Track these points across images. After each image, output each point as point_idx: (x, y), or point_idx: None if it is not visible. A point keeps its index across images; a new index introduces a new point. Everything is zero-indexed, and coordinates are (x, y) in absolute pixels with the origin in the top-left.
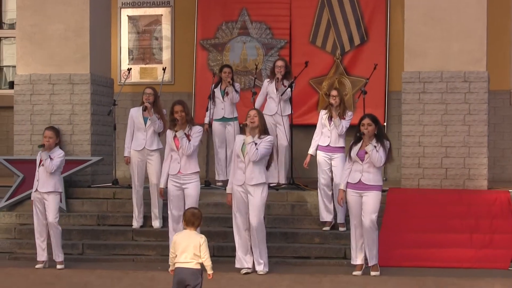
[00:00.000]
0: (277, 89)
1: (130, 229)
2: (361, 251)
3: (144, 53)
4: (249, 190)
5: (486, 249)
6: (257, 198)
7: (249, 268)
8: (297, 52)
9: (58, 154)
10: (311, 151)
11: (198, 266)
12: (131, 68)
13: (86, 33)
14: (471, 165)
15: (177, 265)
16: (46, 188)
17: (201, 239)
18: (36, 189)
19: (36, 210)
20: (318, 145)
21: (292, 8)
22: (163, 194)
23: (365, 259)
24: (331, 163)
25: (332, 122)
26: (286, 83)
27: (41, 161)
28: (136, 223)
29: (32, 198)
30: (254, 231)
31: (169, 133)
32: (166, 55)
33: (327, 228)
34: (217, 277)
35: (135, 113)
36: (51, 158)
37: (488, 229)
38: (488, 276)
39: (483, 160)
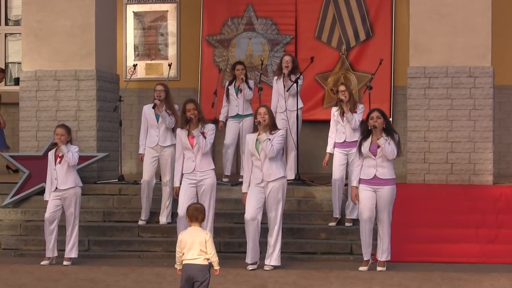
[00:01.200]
0: (284, 85)
1: (136, 225)
2: (370, 246)
3: (149, 49)
4: (269, 185)
5: (491, 244)
6: (277, 192)
7: (255, 264)
8: (303, 48)
9: (74, 149)
10: (328, 149)
11: (206, 262)
12: (136, 64)
13: (92, 29)
14: (476, 160)
15: (184, 262)
16: (68, 184)
17: (207, 236)
18: (56, 187)
19: (53, 208)
20: (334, 143)
21: (298, 4)
22: (178, 193)
23: (372, 254)
24: (347, 159)
25: (345, 118)
26: (294, 78)
27: (56, 159)
28: (143, 217)
29: (47, 199)
30: (275, 225)
31: (180, 132)
32: (171, 51)
33: (333, 223)
34: (224, 272)
35: (148, 110)
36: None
37: (493, 224)
38: (494, 271)
39: (489, 155)
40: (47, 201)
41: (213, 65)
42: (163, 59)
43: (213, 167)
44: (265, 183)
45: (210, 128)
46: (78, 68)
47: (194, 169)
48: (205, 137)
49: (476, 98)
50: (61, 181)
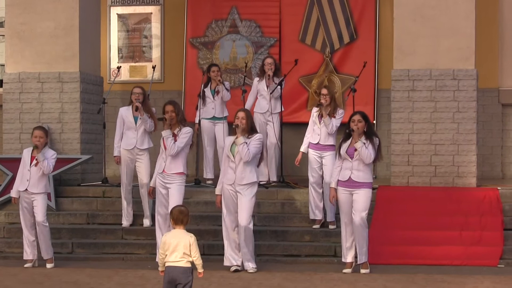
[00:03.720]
0: (267, 86)
1: (120, 227)
2: (352, 249)
3: (133, 51)
4: (239, 189)
5: (475, 246)
6: (247, 198)
7: (238, 266)
8: (287, 50)
9: (51, 155)
10: (302, 148)
11: (189, 265)
12: (120, 66)
13: (75, 31)
14: (460, 163)
15: (167, 264)
16: (37, 189)
17: (191, 238)
18: (26, 189)
19: (24, 209)
20: (309, 143)
21: (282, 6)
22: (152, 193)
23: (355, 257)
24: (321, 161)
25: (322, 121)
26: (276, 80)
27: (32, 160)
28: (126, 221)
29: (16, 196)
30: (242, 230)
31: (163, 133)
32: (155, 53)
33: (317, 226)
34: (207, 275)
35: (125, 112)
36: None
37: (477, 226)
38: (478, 273)
39: (472, 157)
40: (15, 198)
41: (197, 68)
42: (147, 61)
43: (182, 170)
44: (236, 185)
45: (184, 131)
46: (62, 70)
47: (163, 170)
48: (175, 140)
49: (460, 100)
50: (33, 184)
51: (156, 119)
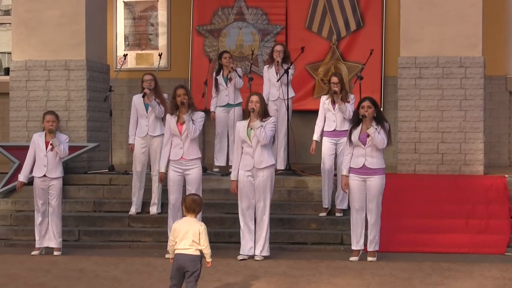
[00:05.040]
0: (277, 73)
1: (126, 215)
2: (361, 236)
3: (140, 39)
4: (258, 173)
5: (482, 234)
6: (267, 180)
7: (246, 255)
8: (293, 38)
9: (65, 139)
10: (315, 137)
11: (197, 253)
12: (127, 54)
13: (82, 19)
14: (467, 151)
15: (176, 252)
16: (56, 174)
17: (201, 227)
18: (44, 174)
19: (40, 196)
20: (323, 131)
21: None
22: (163, 179)
23: (364, 244)
24: (336, 148)
25: (336, 106)
26: (285, 67)
27: (47, 145)
28: (134, 209)
29: (24, 181)
30: (263, 214)
31: (169, 118)
32: (162, 41)
33: (323, 214)
34: (214, 263)
35: (137, 100)
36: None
37: (484, 214)
38: (485, 261)
39: (479, 145)
40: (22, 182)
41: (204, 55)
42: (153, 49)
43: (200, 155)
44: (255, 170)
45: (199, 116)
46: (68, 58)
47: (181, 157)
48: (194, 124)
49: (467, 88)
50: (51, 169)
51: (167, 105)
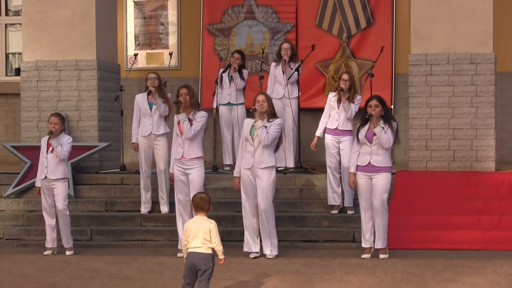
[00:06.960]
0: (283, 72)
1: (138, 214)
2: (371, 234)
3: (150, 38)
4: (258, 173)
5: (494, 230)
6: (266, 181)
7: (257, 252)
8: (304, 36)
9: (66, 141)
10: (318, 133)
11: (210, 251)
12: (137, 54)
13: (92, 19)
14: (478, 147)
15: (189, 250)
16: (56, 175)
17: (211, 224)
18: (45, 176)
19: (45, 197)
20: (326, 128)
21: None
22: (172, 179)
23: (374, 242)
24: (339, 146)
25: (341, 105)
26: (292, 65)
27: (48, 147)
28: (144, 208)
29: (38, 185)
30: (263, 215)
31: (175, 118)
32: (172, 40)
33: (335, 211)
34: (226, 261)
35: (141, 99)
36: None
37: (496, 210)
38: (497, 258)
39: (491, 141)
40: (38, 187)
41: (214, 54)
42: (163, 48)
43: (201, 155)
44: (254, 169)
45: (200, 115)
46: (79, 58)
47: (182, 156)
48: (191, 124)
49: (478, 84)
50: (51, 170)
51: (171, 104)
